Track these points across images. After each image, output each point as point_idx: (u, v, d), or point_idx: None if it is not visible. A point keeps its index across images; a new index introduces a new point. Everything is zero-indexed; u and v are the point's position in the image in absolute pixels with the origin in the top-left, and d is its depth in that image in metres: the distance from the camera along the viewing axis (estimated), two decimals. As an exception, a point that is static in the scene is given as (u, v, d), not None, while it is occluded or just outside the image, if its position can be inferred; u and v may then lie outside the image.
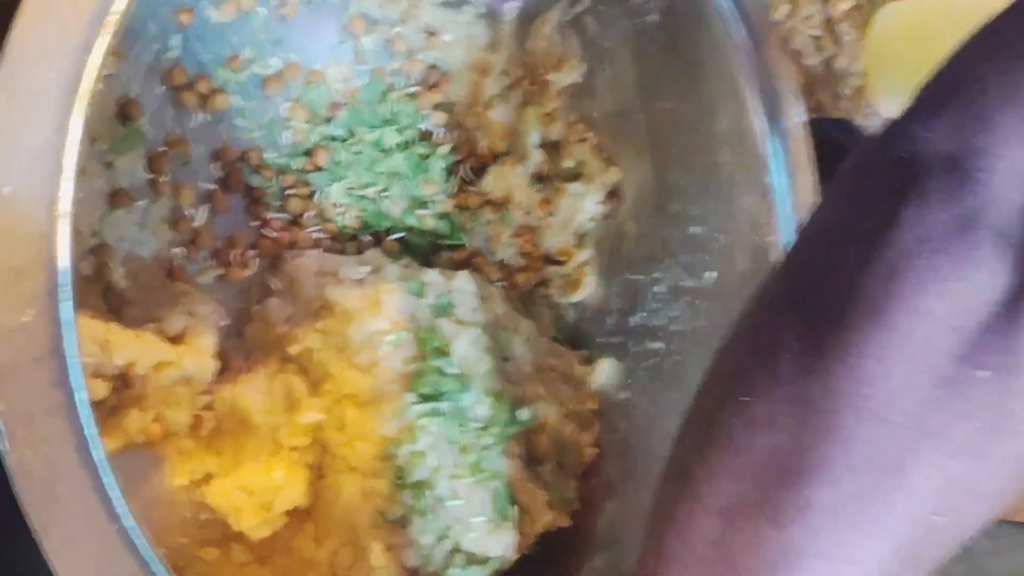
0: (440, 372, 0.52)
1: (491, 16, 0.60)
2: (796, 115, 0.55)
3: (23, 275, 0.30)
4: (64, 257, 0.30)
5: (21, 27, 0.30)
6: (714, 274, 0.59)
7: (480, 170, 0.63)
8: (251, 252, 0.56)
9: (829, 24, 1.98)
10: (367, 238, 0.60)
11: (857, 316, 0.26)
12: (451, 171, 0.62)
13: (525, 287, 0.65)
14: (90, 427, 0.31)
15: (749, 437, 0.28)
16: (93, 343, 0.44)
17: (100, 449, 0.31)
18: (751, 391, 0.29)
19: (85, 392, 0.30)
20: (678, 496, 0.31)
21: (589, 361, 0.64)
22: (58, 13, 0.30)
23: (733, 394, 0.29)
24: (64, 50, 0.30)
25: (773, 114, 0.55)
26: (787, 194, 0.55)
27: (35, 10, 0.30)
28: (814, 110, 0.97)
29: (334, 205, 0.58)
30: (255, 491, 0.52)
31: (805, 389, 0.27)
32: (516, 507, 0.53)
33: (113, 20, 0.31)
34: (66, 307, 0.30)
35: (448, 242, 0.62)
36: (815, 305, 0.28)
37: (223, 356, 0.55)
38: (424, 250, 0.62)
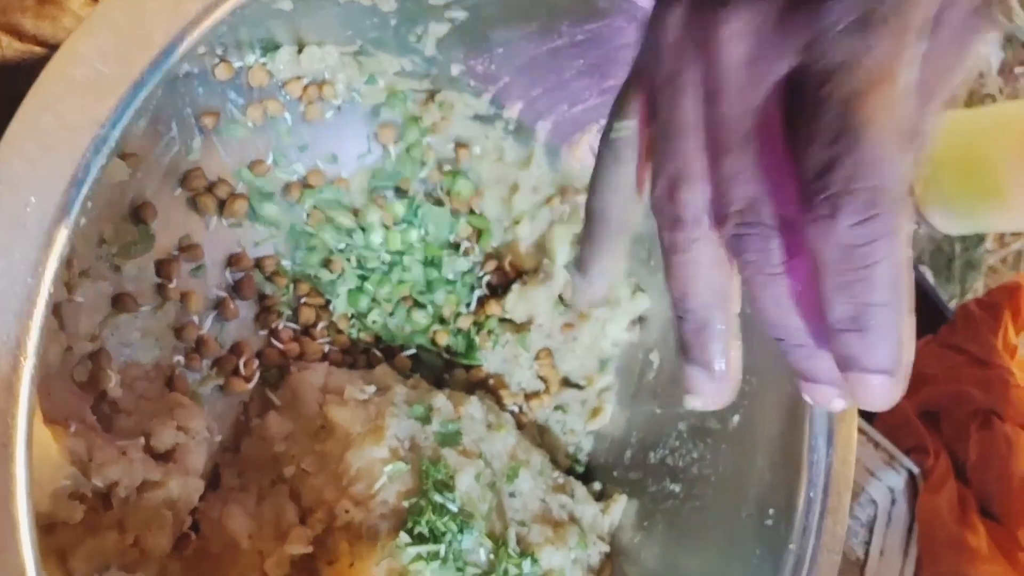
0: (440, 509, 0.48)
1: (522, 132, 0.58)
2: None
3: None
4: (24, 405, 0.28)
5: (4, 152, 0.28)
6: (740, 418, 0.55)
7: (503, 288, 0.61)
8: (255, 363, 0.53)
9: (879, 131, 1.92)
10: (378, 353, 0.57)
11: None
12: (472, 287, 0.60)
13: (541, 413, 0.62)
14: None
15: None
16: (74, 463, 0.42)
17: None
18: None
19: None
20: None
21: (603, 496, 0.60)
22: (44, 142, 0.28)
23: None
24: (47, 182, 0.28)
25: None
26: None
27: (20, 136, 0.28)
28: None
29: (347, 317, 0.56)
30: (235, 621, 0.49)
31: None
32: (512, 663, 0.49)
33: (102, 157, 0.29)
34: (20, 474, 0.27)
35: (464, 361, 0.59)
36: None
37: (216, 472, 0.53)
38: (438, 368, 0.59)
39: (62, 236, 0.29)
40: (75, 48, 0.29)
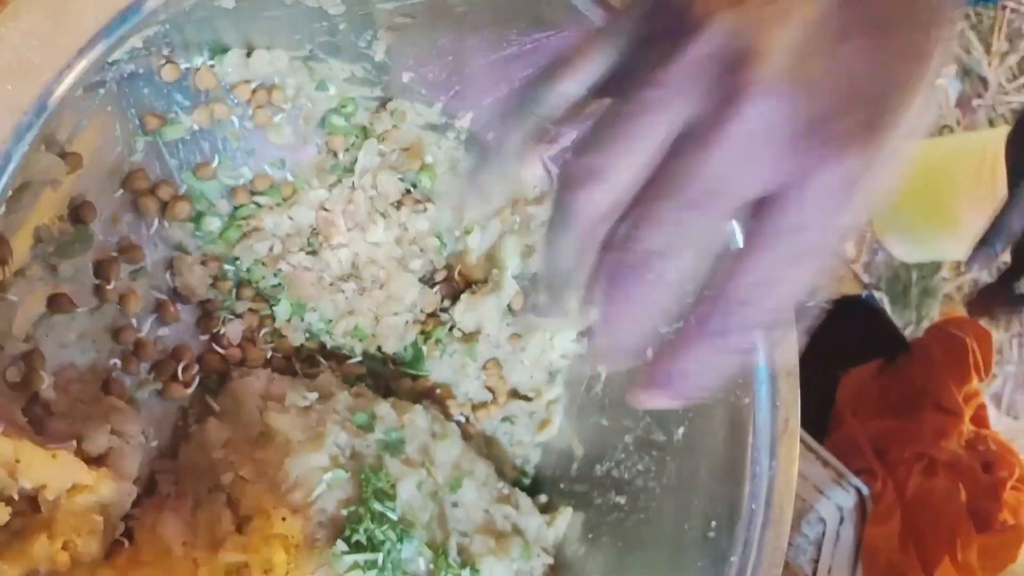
0: (380, 518, 0.48)
1: (474, 143, 0.58)
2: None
3: None
4: None
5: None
6: (685, 431, 0.55)
7: (452, 297, 0.61)
8: (196, 367, 0.52)
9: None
10: (322, 360, 0.56)
11: None
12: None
13: (488, 424, 0.61)
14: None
15: None
16: (0, 464, 0.41)
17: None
18: None
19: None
20: None
21: (549, 508, 0.60)
22: None
23: None
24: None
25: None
26: (765, 356, 0.52)
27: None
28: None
29: (291, 323, 0.55)
30: (166, 631, 0.48)
31: None
32: (449, 676, 0.48)
33: (24, 144, 0.29)
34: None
35: (410, 371, 0.59)
36: None
37: (152, 478, 0.52)
38: (385, 376, 0.59)
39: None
40: (-1, 33, 0.29)
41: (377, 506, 0.48)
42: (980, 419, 0.95)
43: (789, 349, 0.53)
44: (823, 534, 0.83)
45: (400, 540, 0.48)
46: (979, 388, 0.95)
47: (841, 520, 0.85)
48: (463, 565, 0.50)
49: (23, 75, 0.29)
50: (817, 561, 0.82)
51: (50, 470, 0.43)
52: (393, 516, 0.49)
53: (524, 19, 0.50)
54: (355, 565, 0.46)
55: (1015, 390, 2.25)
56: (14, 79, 0.29)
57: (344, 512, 0.48)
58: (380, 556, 0.47)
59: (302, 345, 0.56)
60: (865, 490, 0.85)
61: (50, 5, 0.30)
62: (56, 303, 0.48)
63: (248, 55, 0.53)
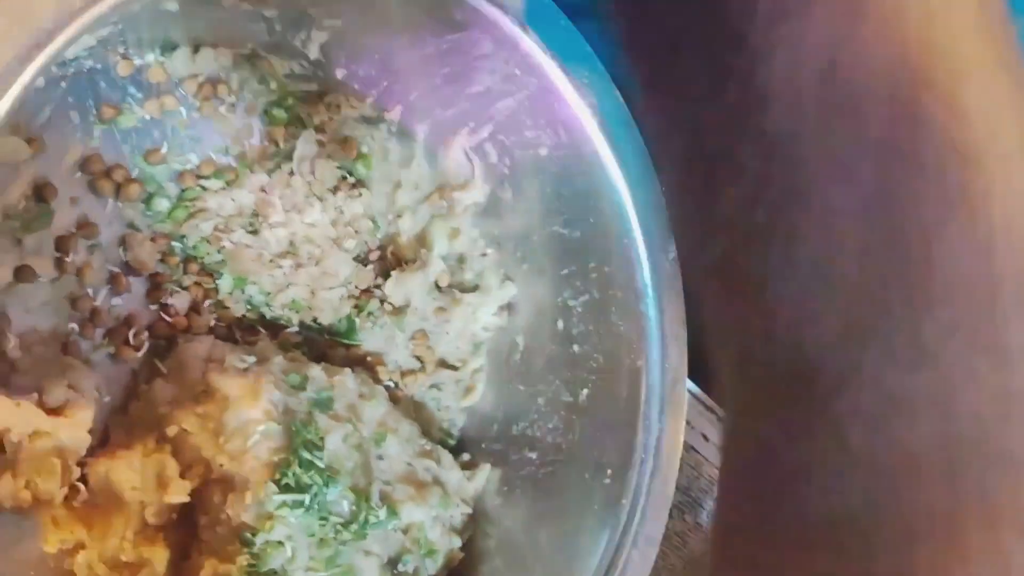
0: (307, 464, 0.54)
1: (404, 134, 0.65)
2: (670, 251, 0.59)
3: None
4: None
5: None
6: (589, 392, 0.62)
7: (384, 275, 0.67)
8: (146, 333, 0.58)
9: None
10: (263, 330, 0.62)
11: None
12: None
13: (418, 390, 0.67)
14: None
15: None
16: (-33, 408, 0.47)
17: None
18: None
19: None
20: None
21: (471, 466, 0.66)
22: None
23: None
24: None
25: (650, 248, 0.59)
26: (657, 323, 0.59)
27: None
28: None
29: (233, 295, 0.61)
30: (117, 565, 0.54)
31: None
32: (369, 604, 0.55)
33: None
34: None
35: (344, 340, 0.65)
36: None
37: (106, 431, 0.58)
38: (320, 345, 0.65)
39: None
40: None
41: (305, 455, 0.54)
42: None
43: (677, 317, 0.59)
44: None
45: (326, 484, 0.54)
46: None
47: (754, 488, 0.91)
48: (383, 507, 0.57)
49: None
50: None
51: (14, 416, 0.49)
52: (320, 464, 0.55)
53: (434, 21, 0.56)
54: (283, 504, 0.53)
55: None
56: (-21, 72, 0.35)
57: (275, 459, 0.54)
58: (307, 497, 0.53)
59: (243, 315, 0.62)
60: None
61: (13, 9, 0.35)
62: (21, 273, 0.54)
63: (195, 52, 0.58)
